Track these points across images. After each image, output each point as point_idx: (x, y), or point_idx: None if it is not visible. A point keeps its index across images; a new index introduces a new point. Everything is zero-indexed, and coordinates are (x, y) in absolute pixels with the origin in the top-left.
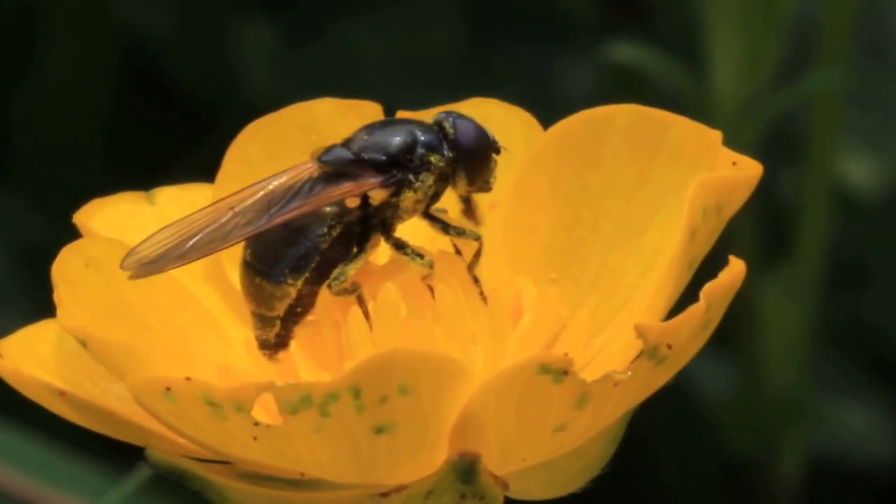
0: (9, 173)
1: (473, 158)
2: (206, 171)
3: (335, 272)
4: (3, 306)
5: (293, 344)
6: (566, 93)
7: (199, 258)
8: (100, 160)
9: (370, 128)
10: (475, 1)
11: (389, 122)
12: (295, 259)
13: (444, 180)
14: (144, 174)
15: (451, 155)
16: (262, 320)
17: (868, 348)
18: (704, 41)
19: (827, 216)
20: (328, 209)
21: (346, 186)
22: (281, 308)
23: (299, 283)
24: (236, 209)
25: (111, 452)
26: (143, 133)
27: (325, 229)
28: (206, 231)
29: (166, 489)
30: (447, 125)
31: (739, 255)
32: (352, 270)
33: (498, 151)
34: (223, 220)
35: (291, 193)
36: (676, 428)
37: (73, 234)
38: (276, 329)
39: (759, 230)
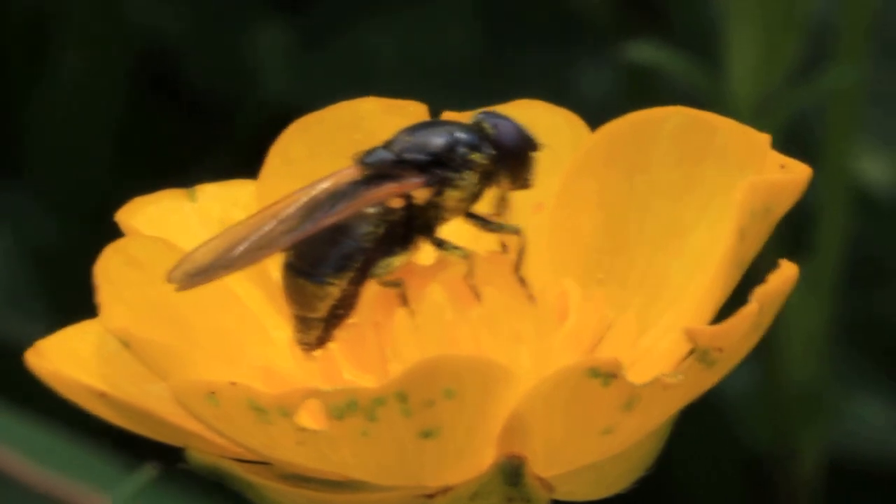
0: (22, 175)
1: (515, 156)
2: (222, 173)
3: (381, 263)
4: (16, 308)
5: (335, 346)
6: (583, 94)
7: (245, 266)
8: (113, 163)
9: (411, 129)
10: (491, 3)
11: (430, 123)
12: (339, 259)
13: (486, 179)
14: (158, 177)
15: (493, 153)
16: (303, 322)
17: (886, 345)
18: (721, 39)
19: (844, 214)
20: (372, 209)
21: (389, 187)
22: (323, 309)
23: (343, 282)
24: (280, 217)
25: (127, 444)
26: (157, 135)
27: (371, 228)
28: (251, 240)
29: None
30: (487, 125)
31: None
32: (397, 262)
33: (537, 149)
34: (267, 228)
35: (335, 198)
36: (693, 423)
37: (85, 235)
38: (318, 332)
39: (778, 227)
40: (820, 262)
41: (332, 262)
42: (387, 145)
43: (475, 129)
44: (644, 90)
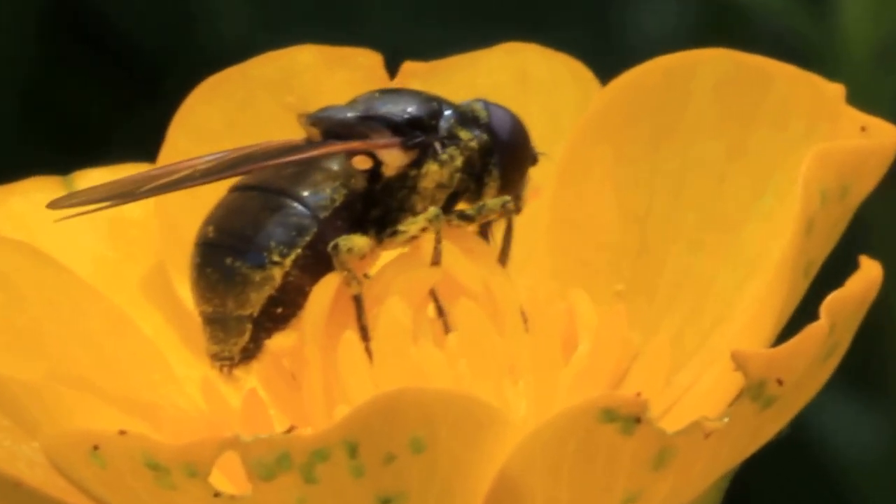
0: None
1: (510, 150)
2: (153, 141)
3: (342, 238)
4: None
5: (262, 383)
6: (639, 35)
7: (149, 197)
8: (19, 129)
9: (383, 90)
10: None
11: (411, 90)
12: (285, 228)
13: (471, 173)
14: (74, 147)
15: (484, 138)
16: (225, 327)
17: None
18: None
19: None
20: (332, 168)
21: (355, 142)
22: (257, 302)
23: (287, 263)
24: (200, 168)
25: None
26: (73, 95)
27: (328, 192)
28: (165, 179)
29: None
30: (479, 107)
31: (878, 255)
32: (361, 242)
33: (535, 159)
34: (185, 172)
35: (279, 152)
36: (798, 497)
37: None
38: (245, 338)
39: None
40: None
41: (275, 231)
42: (350, 105)
43: (465, 107)
44: (721, 32)
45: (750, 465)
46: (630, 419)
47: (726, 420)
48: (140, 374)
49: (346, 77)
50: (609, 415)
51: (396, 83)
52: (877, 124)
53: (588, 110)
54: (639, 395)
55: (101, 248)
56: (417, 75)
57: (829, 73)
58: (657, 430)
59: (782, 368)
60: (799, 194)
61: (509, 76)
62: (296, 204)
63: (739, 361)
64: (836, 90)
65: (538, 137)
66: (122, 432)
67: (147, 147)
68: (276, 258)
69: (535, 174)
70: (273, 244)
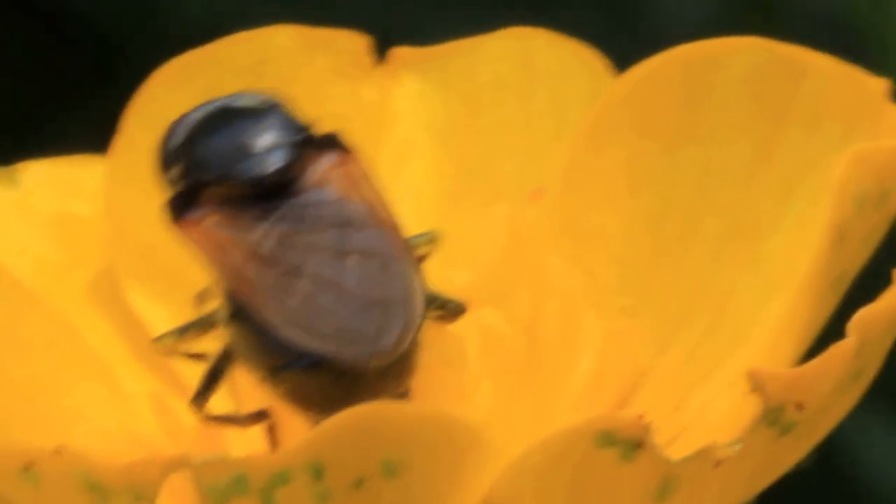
0: None
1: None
2: (106, 131)
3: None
4: None
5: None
6: (660, 18)
7: None
8: None
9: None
10: None
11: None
12: None
13: None
14: (17, 135)
15: None
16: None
17: None
18: None
19: None
20: None
21: None
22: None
23: None
24: None
25: None
26: (17, 77)
27: None
28: None
29: None
30: None
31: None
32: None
33: None
34: None
35: None
36: None
37: None
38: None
39: None
40: None
41: None
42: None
43: None
44: (760, 13)
45: (772, 495)
46: (631, 444)
47: (739, 447)
48: (83, 388)
49: (326, 63)
50: (608, 438)
51: (385, 71)
52: None
53: (598, 105)
54: (641, 417)
55: (43, 247)
56: (409, 62)
57: (882, 63)
58: (660, 456)
59: (803, 391)
60: (830, 199)
61: (513, 65)
62: None
63: (757, 382)
64: (879, 85)
65: (543, 133)
66: (59, 450)
67: (98, 137)
68: None
69: (538, 175)
70: None
